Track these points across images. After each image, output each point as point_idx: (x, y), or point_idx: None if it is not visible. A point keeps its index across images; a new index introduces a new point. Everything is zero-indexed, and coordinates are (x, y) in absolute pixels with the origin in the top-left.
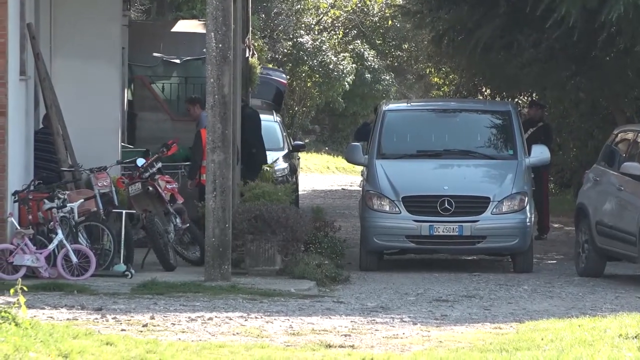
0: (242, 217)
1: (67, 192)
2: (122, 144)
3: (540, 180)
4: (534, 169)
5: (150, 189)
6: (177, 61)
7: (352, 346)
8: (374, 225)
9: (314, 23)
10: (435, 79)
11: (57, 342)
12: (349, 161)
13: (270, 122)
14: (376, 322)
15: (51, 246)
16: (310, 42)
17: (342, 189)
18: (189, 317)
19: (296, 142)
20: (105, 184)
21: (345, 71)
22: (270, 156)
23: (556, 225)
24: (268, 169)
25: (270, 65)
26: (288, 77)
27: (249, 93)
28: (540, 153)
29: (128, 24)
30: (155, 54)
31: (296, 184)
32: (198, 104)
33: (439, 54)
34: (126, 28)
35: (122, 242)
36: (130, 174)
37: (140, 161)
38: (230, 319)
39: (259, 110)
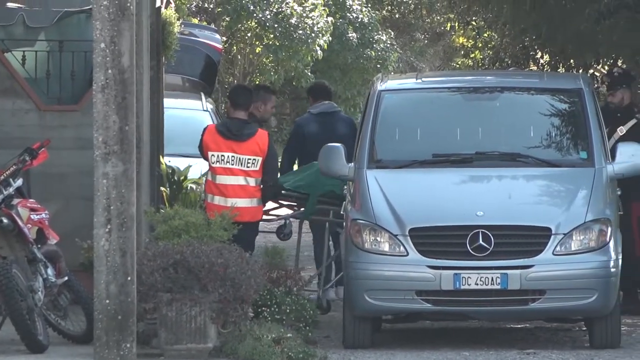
0: (152, 265)
1: None
2: None
3: (627, 213)
4: (620, 187)
5: (5, 221)
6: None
7: None
8: (364, 275)
9: None
10: (461, 40)
11: None
12: (323, 172)
13: (196, 112)
14: None
15: None
16: None
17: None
18: None
19: None
20: None
21: (316, 29)
22: (198, 167)
23: None
24: (193, 186)
25: (196, 21)
26: (224, 39)
27: (163, 65)
28: (630, 156)
29: None
30: (10, 5)
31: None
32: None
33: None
34: None
35: None
36: None
37: None
38: None
39: (178, 93)
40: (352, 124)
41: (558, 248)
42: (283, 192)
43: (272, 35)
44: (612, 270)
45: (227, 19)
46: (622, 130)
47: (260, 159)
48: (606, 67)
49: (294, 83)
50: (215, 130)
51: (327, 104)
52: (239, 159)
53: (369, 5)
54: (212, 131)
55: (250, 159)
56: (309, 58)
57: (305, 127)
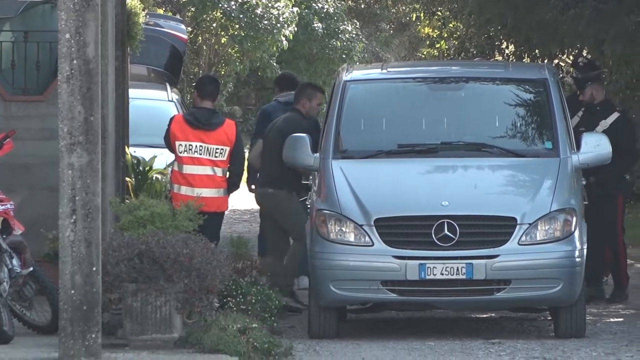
0: (118, 256)
1: None
2: None
3: (609, 207)
4: (599, 184)
5: None
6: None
7: None
8: (330, 265)
9: None
10: (427, 30)
11: None
12: (288, 163)
13: (161, 102)
14: None
15: None
16: None
17: None
18: None
19: None
20: None
21: (282, 19)
22: (163, 157)
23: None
24: (158, 176)
25: (161, 12)
26: (190, 29)
27: (128, 55)
28: (595, 146)
29: None
30: None
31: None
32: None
33: None
34: None
35: None
36: None
37: None
38: None
39: (143, 83)
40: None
41: (523, 238)
42: None
43: (237, 26)
44: (577, 260)
45: (192, 9)
46: (605, 124)
47: (228, 148)
48: (571, 57)
49: (259, 73)
50: (182, 119)
51: (293, 94)
52: (207, 148)
53: None
54: (179, 121)
55: (218, 148)
56: (275, 48)
57: (272, 114)
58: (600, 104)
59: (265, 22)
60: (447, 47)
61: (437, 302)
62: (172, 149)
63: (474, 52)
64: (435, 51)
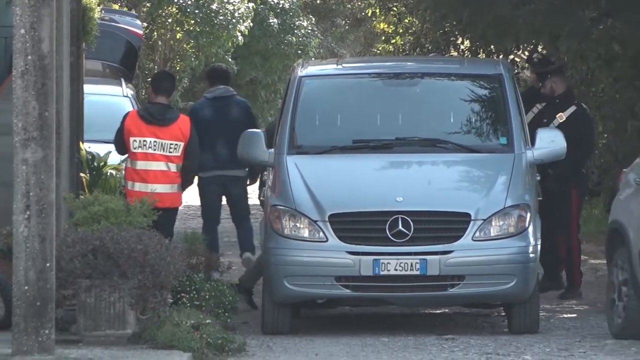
0: (72, 252)
1: None
2: None
3: (565, 200)
4: (556, 177)
5: None
6: None
7: None
8: (284, 260)
9: None
10: (382, 26)
11: None
12: (243, 158)
13: (116, 98)
14: None
15: None
16: None
17: None
18: None
19: None
20: None
21: (237, 15)
22: (115, 154)
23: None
24: (113, 172)
25: (117, 7)
26: (145, 25)
27: (83, 51)
28: (550, 141)
29: None
30: None
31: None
32: None
33: None
34: None
35: None
36: None
37: None
38: None
39: (98, 78)
40: (246, 108)
41: (477, 234)
42: None
43: (192, 21)
44: (531, 255)
45: (147, 4)
46: (561, 117)
47: (182, 144)
48: (526, 53)
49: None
50: (137, 115)
51: (222, 88)
52: (161, 144)
53: None
54: (133, 116)
55: (172, 144)
56: (230, 44)
57: (200, 112)
58: (560, 96)
59: (221, 17)
60: (402, 42)
61: (391, 298)
62: (125, 145)
63: (430, 47)
64: (390, 47)
